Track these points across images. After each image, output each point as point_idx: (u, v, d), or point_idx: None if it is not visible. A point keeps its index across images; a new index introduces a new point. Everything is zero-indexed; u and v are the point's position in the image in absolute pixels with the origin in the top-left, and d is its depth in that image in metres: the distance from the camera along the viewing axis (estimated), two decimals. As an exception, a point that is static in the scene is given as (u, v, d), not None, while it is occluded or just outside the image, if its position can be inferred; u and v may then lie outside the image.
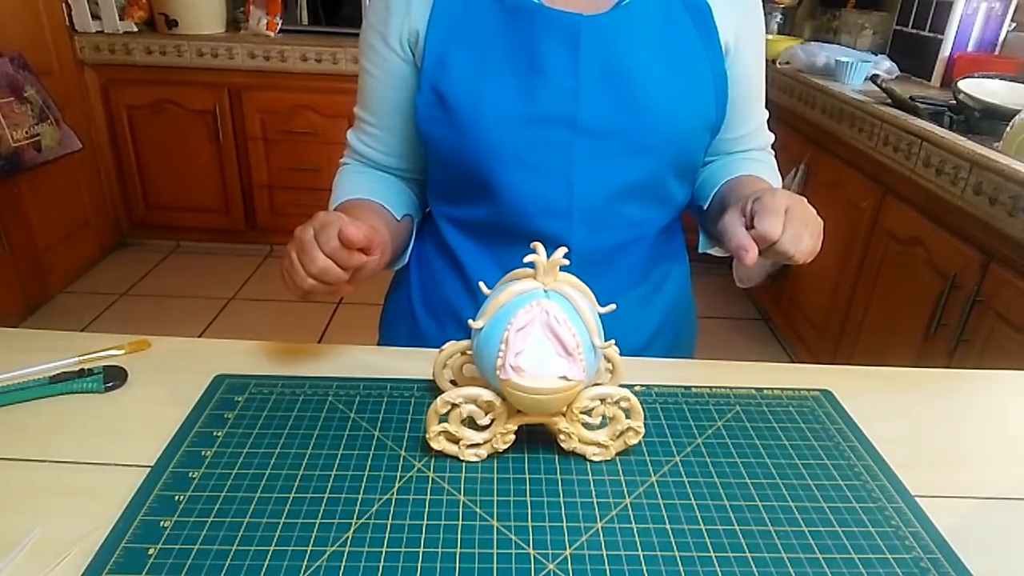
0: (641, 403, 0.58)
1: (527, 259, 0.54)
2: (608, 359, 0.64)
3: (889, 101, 1.89)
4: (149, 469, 0.56)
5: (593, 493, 0.55)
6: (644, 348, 0.84)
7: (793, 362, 0.63)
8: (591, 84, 0.71)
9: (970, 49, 2.18)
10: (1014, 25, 2.18)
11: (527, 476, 0.57)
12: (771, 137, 0.88)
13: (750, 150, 0.86)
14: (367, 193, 0.79)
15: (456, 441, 0.58)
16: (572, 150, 0.72)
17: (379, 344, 0.93)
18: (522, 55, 0.71)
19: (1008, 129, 1.52)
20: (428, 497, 0.54)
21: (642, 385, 0.69)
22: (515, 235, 0.76)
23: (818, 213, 0.66)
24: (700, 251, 0.87)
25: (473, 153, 0.72)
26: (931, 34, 2.23)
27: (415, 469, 0.57)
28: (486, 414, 0.57)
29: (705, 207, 0.83)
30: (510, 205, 0.74)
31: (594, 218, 0.75)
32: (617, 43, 0.71)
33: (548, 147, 0.72)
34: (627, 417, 0.58)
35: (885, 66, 2.22)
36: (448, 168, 0.77)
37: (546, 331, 0.54)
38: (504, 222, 0.76)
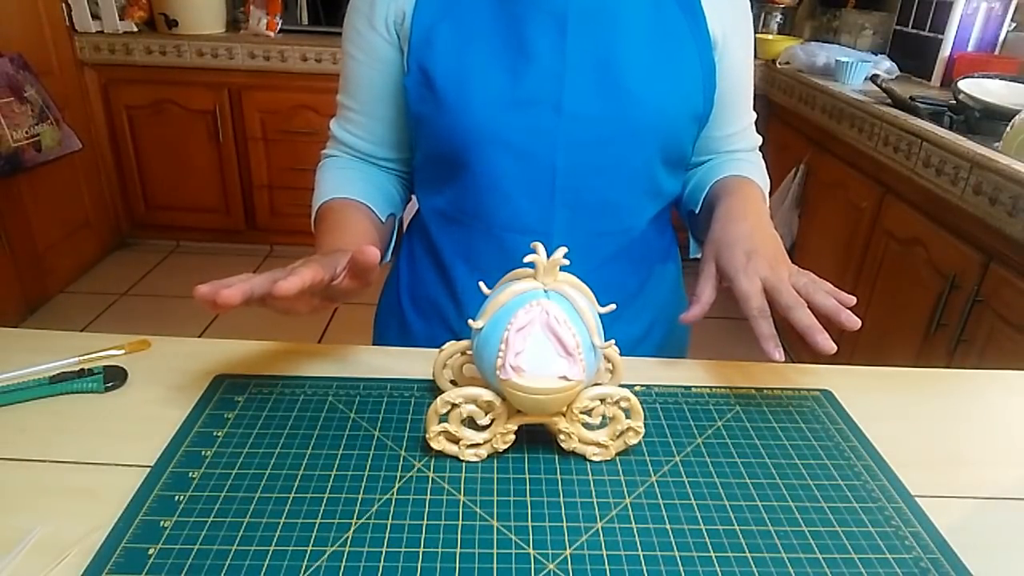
0: (641, 403, 0.58)
1: (527, 259, 0.54)
2: (608, 359, 0.64)
3: (889, 101, 1.89)
4: (149, 469, 0.55)
5: (593, 493, 0.55)
6: (634, 346, 0.84)
7: (793, 362, 0.63)
8: (578, 68, 0.71)
9: (970, 49, 2.18)
10: (1014, 25, 2.19)
11: (527, 476, 0.57)
12: (759, 139, 0.89)
13: (738, 150, 0.86)
14: (353, 192, 0.78)
15: (456, 441, 0.58)
16: (556, 134, 0.72)
17: (373, 342, 0.93)
18: (509, 36, 0.71)
19: (1008, 129, 1.52)
20: (428, 497, 0.54)
21: (642, 385, 0.69)
22: (497, 222, 0.76)
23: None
24: (691, 256, 0.87)
25: (457, 134, 0.72)
26: (931, 34, 2.23)
27: (415, 469, 0.57)
28: (486, 414, 0.57)
29: (697, 211, 0.82)
30: (493, 189, 0.74)
31: (577, 205, 0.75)
32: (605, 27, 0.71)
33: (532, 131, 0.72)
34: (627, 417, 0.58)
35: (885, 66, 2.22)
36: (433, 149, 0.77)
37: (546, 331, 0.54)
38: (486, 208, 0.76)
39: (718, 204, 0.76)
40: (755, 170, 0.84)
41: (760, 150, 0.90)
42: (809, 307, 0.63)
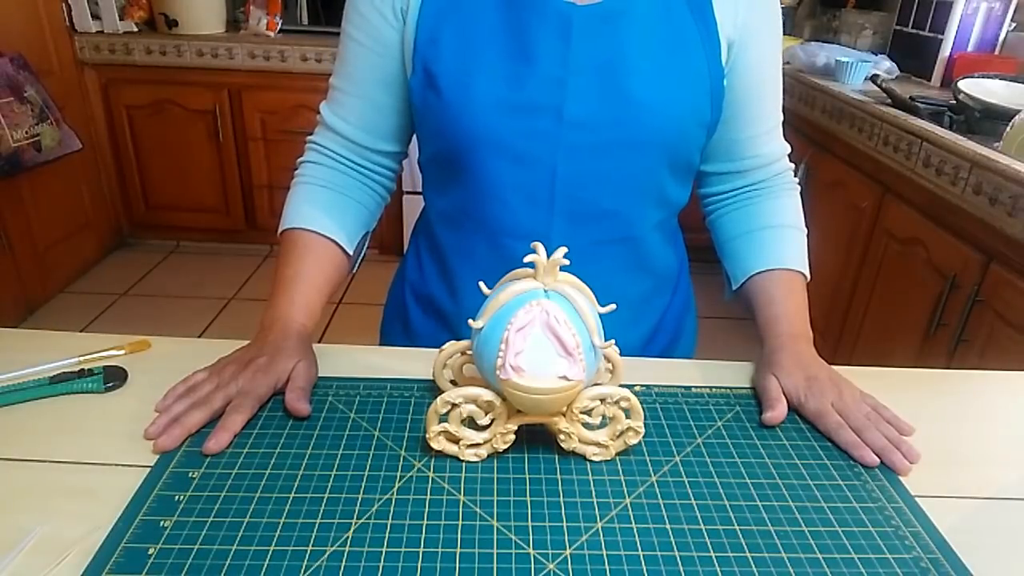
0: (641, 403, 0.58)
1: (527, 259, 0.54)
2: (608, 359, 0.64)
3: (889, 101, 1.89)
4: (149, 469, 0.56)
5: (593, 493, 0.55)
6: (640, 349, 0.83)
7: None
8: (580, 75, 0.70)
9: (970, 49, 2.18)
10: (1014, 25, 2.19)
11: (527, 476, 0.57)
12: (786, 147, 0.85)
13: (763, 163, 0.83)
14: (323, 226, 0.77)
15: (456, 441, 0.58)
16: (557, 141, 0.71)
17: (379, 341, 0.94)
18: (513, 41, 0.70)
19: (1008, 129, 1.53)
20: (428, 497, 0.54)
21: (642, 385, 0.69)
22: (495, 227, 0.75)
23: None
24: (725, 298, 0.86)
25: (458, 136, 0.72)
26: (931, 34, 2.23)
27: (415, 469, 0.57)
28: (486, 414, 0.57)
29: (735, 288, 0.82)
30: (491, 193, 0.74)
31: (576, 212, 0.74)
32: (610, 35, 0.71)
33: (533, 136, 0.71)
34: (627, 417, 0.58)
35: (885, 66, 2.22)
36: (436, 150, 0.77)
37: (546, 331, 0.54)
38: (485, 212, 0.75)
39: (763, 308, 0.76)
40: (793, 238, 0.82)
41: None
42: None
